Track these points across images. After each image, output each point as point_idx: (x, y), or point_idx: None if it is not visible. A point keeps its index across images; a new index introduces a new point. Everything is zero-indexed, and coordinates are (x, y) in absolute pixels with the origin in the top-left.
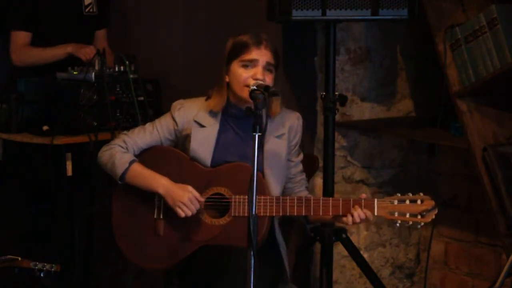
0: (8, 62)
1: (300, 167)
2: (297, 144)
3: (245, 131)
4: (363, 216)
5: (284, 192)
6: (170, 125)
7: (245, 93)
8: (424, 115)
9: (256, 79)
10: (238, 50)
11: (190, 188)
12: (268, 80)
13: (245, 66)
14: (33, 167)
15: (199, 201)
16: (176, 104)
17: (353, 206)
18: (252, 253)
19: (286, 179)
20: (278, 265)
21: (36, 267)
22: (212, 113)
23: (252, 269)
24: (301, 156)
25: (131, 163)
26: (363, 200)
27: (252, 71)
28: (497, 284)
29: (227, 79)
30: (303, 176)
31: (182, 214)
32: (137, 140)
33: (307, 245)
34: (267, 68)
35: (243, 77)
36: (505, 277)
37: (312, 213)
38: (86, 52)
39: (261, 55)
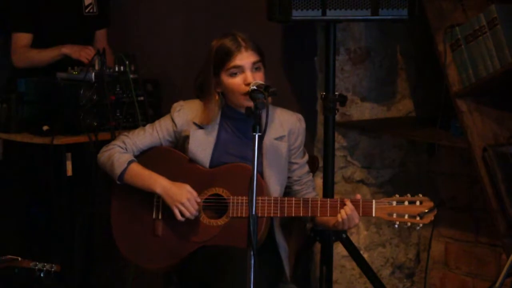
0: (8, 62)
1: (306, 168)
2: (300, 146)
3: (243, 132)
4: (349, 212)
5: (292, 194)
6: (170, 126)
7: (242, 100)
8: (424, 115)
9: (248, 84)
10: (222, 59)
11: (188, 187)
12: (259, 79)
13: (233, 75)
14: (33, 167)
15: (197, 202)
16: (176, 106)
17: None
18: (252, 253)
19: (292, 181)
20: (278, 265)
21: (36, 267)
22: None
23: (252, 269)
24: (306, 158)
25: (129, 163)
26: (361, 201)
27: (241, 77)
28: (497, 284)
29: (218, 90)
30: (310, 177)
31: (179, 216)
32: (136, 141)
33: (307, 245)
34: (254, 68)
35: (236, 86)
36: (505, 277)
37: (309, 214)
38: (87, 53)
39: (243, 59)
